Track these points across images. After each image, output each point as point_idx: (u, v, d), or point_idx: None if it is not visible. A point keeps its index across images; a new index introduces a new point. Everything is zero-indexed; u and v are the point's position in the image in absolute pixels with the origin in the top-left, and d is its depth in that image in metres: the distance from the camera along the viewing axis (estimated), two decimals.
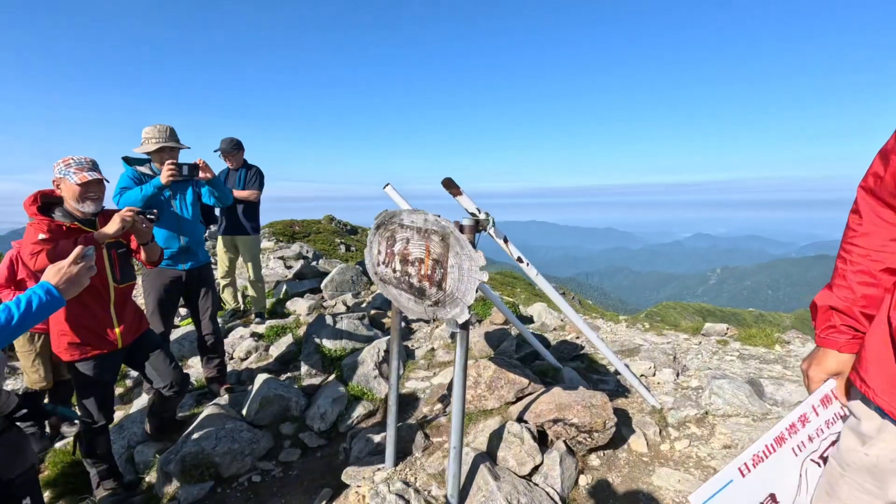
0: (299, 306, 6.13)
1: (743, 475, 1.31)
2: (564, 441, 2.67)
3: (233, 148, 5.21)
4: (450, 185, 2.21)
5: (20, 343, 3.66)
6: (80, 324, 2.72)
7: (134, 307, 3.05)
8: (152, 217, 2.85)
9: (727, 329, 6.20)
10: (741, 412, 3.18)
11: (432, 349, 4.62)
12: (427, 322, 5.31)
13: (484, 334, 4.41)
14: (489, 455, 2.59)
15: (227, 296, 6.08)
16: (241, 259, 5.69)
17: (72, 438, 3.64)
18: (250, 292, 5.88)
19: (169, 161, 3.34)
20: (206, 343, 4.02)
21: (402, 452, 2.95)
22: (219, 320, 5.68)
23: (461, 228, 2.13)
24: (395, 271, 2.45)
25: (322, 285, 6.89)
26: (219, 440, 3.14)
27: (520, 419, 2.85)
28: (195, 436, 3.17)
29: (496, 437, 2.66)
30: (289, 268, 8.49)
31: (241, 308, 6.14)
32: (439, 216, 2.13)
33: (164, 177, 3.33)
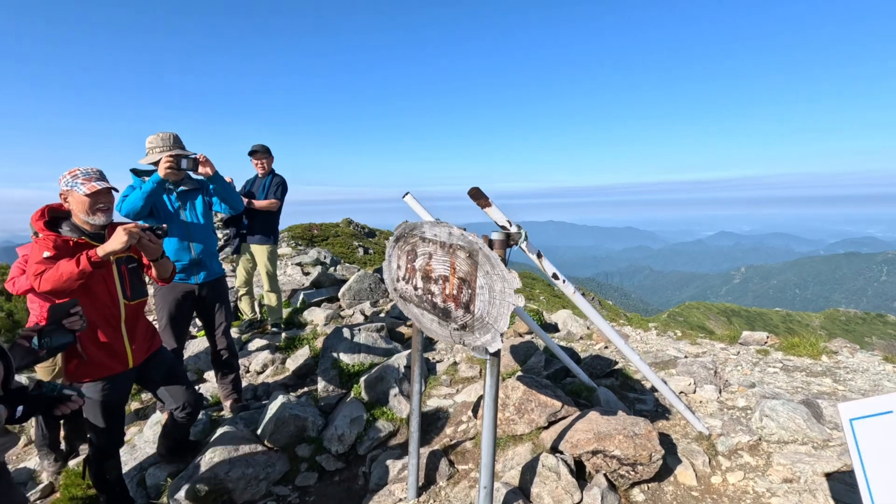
0: (316, 316, 5.97)
1: None
2: (605, 475, 2.42)
3: (263, 149, 5.19)
4: (477, 196, 1.99)
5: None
6: (89, 343, 2.58)
7: (146, 324, 2.90)
8: (160, 232, 2.68)
9: (767, 338, 5.83)
10: (799, 438, 2.87)
11: (455, 363, 4.39)
12: None
13: (510, 347, 4.17)
14: (522, 491, 2.35)
15: (244, 305, 5.96)
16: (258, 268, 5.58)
17: (82, 461, 3.52)
18: (266, 302, 5.75)
19: (167, 154, 3.20)
20: (221, 358, 3.88)
21: (426, 480, 2.74)
22: (235, 332, 5.56)
23: (490, 244, 1.91)
24: (416, 289, 2.24)
25: (340, 294, 6.72)
26: (232, 464, 2.99)
27: (554, 448, 2.61)
28: (208, 459, 3.02)
29: (529, 471, 2.42)
30: (306, 274, 8.38)
31: (258, 318, 6.02)
32: (465, 230, 1.91)
33: (162, 170, 3.20)
